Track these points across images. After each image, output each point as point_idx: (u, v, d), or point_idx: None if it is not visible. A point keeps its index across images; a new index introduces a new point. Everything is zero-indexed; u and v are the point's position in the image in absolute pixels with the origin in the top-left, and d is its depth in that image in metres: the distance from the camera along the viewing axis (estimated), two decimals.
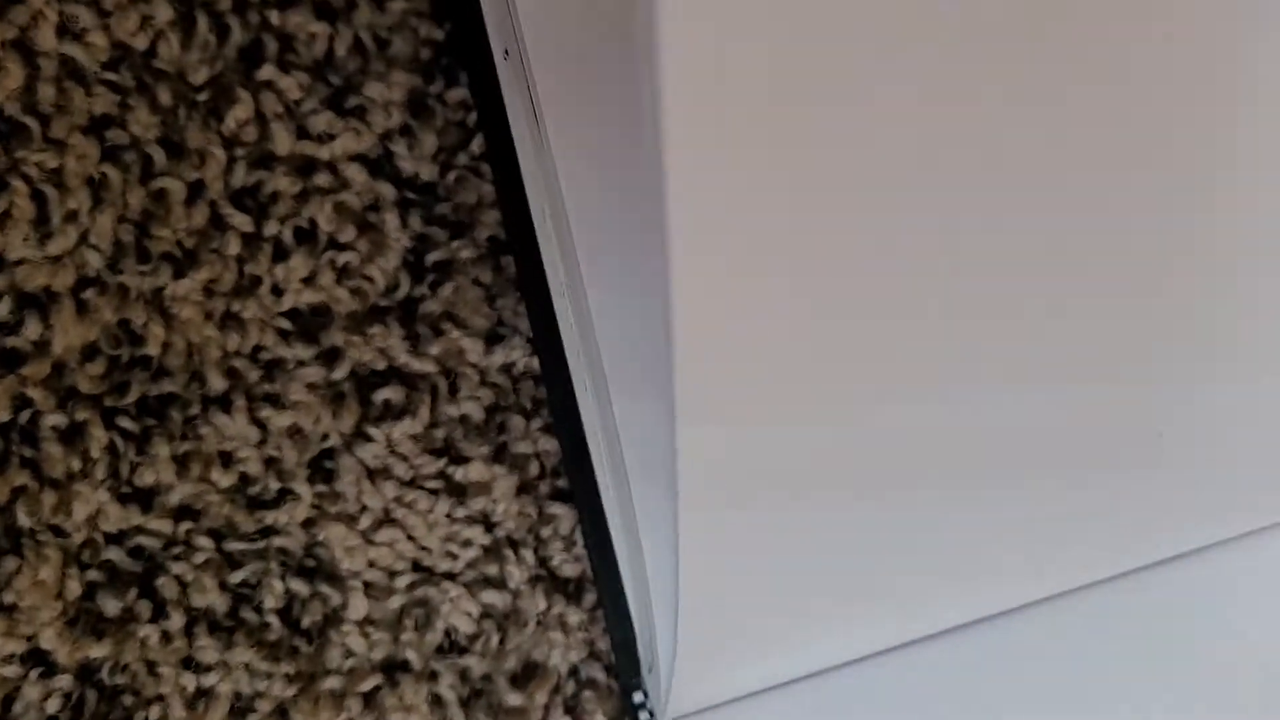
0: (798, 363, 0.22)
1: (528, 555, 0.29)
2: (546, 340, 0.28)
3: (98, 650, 0.26)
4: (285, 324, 0.27)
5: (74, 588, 0.26)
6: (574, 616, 0.29)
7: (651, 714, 0.30)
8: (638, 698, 0.31)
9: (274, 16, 0.27)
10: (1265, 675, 0.32)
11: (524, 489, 0.28)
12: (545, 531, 0.29)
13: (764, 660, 0.30)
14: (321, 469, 0.27)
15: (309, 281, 0.27)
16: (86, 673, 0.27)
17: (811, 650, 0.30)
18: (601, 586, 0.29)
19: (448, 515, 0.28)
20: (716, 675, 0.30)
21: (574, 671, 0.29)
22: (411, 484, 0.28)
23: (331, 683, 0.28)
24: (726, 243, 0.19)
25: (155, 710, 0.27)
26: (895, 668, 0.31)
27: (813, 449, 0.25)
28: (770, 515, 0.27)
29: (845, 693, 0.30)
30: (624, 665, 0.30)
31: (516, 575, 0.29)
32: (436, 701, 0.28)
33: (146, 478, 0.27)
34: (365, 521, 0.28)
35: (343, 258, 0.27)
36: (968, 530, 0.29)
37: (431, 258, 0.28)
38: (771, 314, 0.21)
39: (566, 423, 0.28)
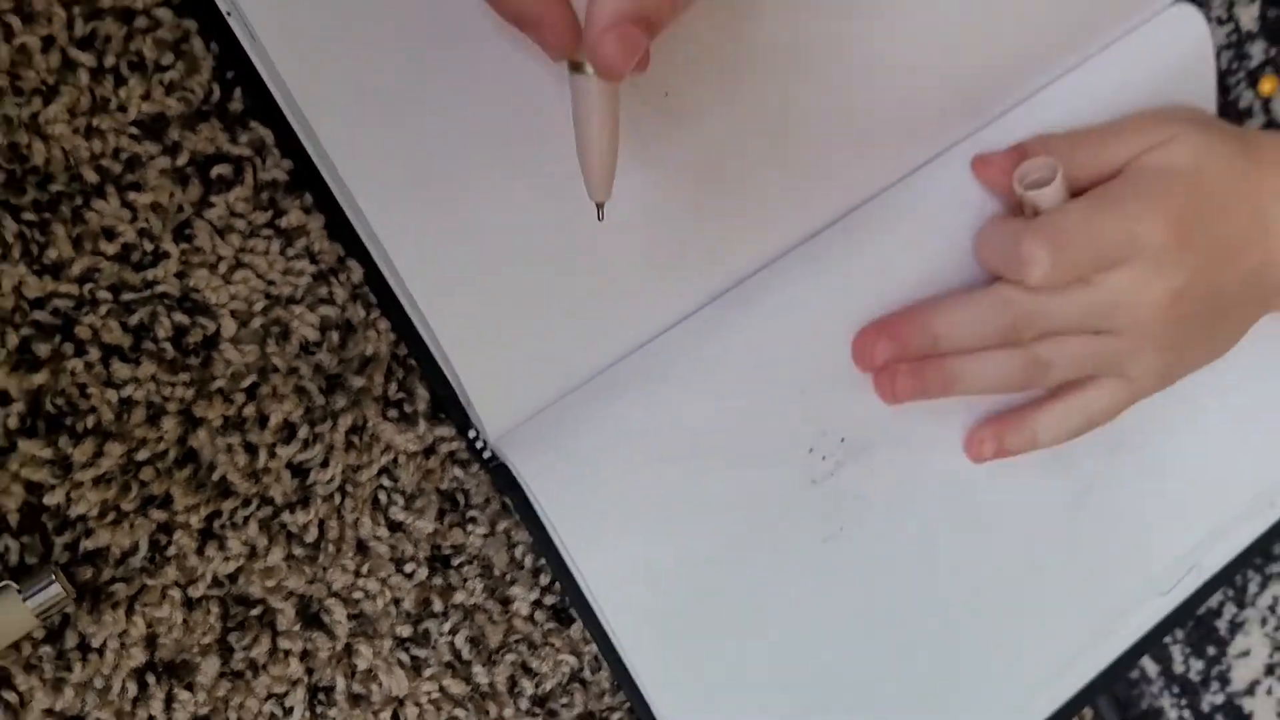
0: None
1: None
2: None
3: (39, 380, 0.36)
4: (134, 130, 0.37)
5: (12, 340, 0.36)
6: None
7: (484, 441, 0.41)
8: (471, 434, 0.41)
9: None
10: None
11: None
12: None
13: (548, 369, 0.41)
14: (183, 233, 0.38)
15: (146, 97, 0.37)
16: (34, 402, 0.36)
17: (581, 352, 0.41)
18: (415, 354, 0.40)
19: (281, 254, 0.39)
20: (512, 396, 0.40)
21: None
22: (251, 235, 0.38)
23: (219, 384, 0.38)
24: None
25: (91, 419, 0.36)
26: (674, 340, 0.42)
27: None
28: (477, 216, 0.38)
29: (624, 376, 0.41)
30: (453, 412, 0.41)
31: (341, 294, 0.39)
32: (302, 391, 0.39)
33: (52, 255, 0.36)
34: (223, 267, 0.38)
35: (167, 77, 0.37)
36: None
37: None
38: None
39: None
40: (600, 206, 0.34)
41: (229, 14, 0.37)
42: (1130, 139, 0.43)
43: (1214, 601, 0.51)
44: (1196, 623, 0.51)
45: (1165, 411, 0.48)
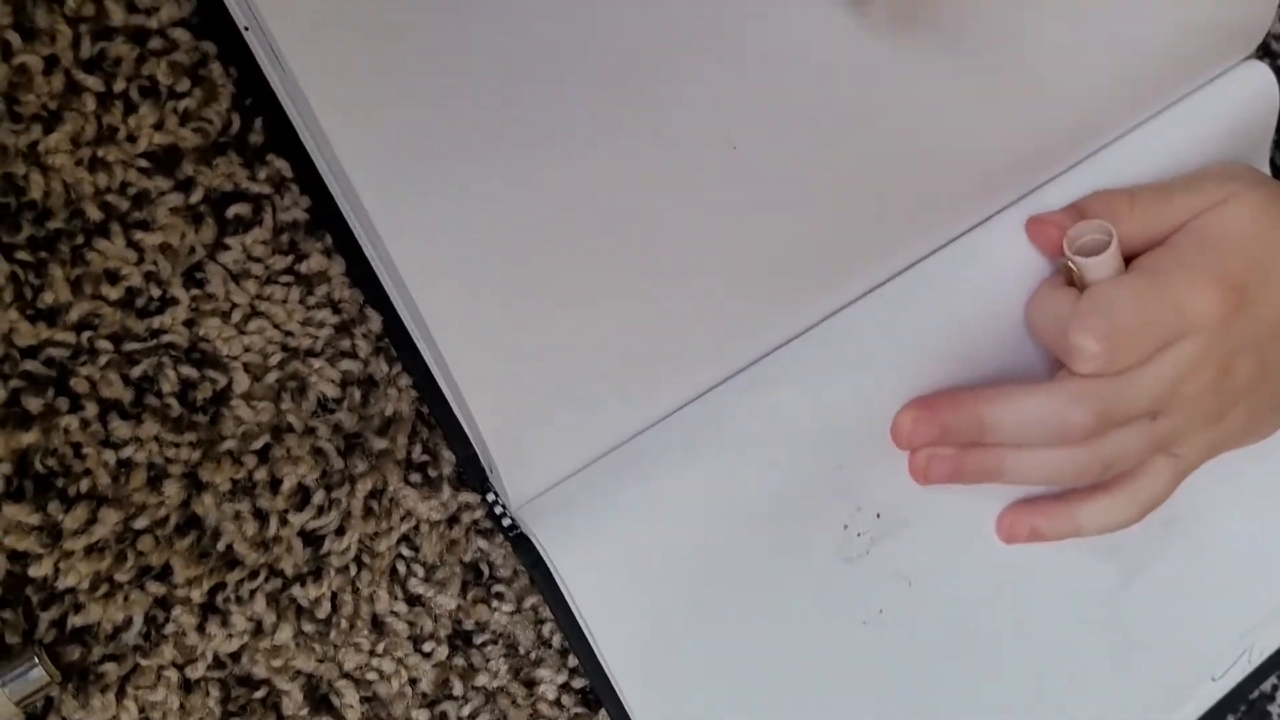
0: None
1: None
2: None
3: (28, 438, 0.32)
4: (144, 163, 0.34)
5: (0, 393, 0.32)
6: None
7: (504, 508, 0.38)
8: (490, 498, 0.38)
9: None
10: None
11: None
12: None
13: (578, 434, 0.37)
14: (194, 277, 0.34)
15: (158, 127, 0.34)
16: (23, 463, 0.32)
17: (612, 420, 0.38)
18: (435, 414, 0.36)
19: (301, 302, 0.35)
20: (538, 462, 0.37)
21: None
22: (268, 280, 0.35)
23: (229, 445, 0.34)
24: None
25: (85, 483, 0.33)
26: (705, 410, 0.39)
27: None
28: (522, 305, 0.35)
29: (654, 445, 0.38)
30: (473, 479, 0.38)
31: (364, 347, 0.36)
32: (319, 453, 0.35)
33: (48, 299, 0.33)
34: (236, 316, 0.34)
35: (182, 104, 0.34)
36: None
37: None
38: None
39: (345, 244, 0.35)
40: None
41: (246, 29, 0.34)
42: (1187, 199, 0.41)
43: (1267, 685, 0.49)
44: (1249, 708, 0.49)
45: (1218, 487, 0.46)
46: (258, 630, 0.35)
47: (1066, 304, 0.38)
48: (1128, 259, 0.40)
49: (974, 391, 0.39)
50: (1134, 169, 0.43)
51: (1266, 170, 0.48)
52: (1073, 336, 0.37)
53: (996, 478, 0.39)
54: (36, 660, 0.32)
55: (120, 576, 0.33)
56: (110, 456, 0.33)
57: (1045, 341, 0.40)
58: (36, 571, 0.33)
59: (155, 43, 0.34)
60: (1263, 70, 0.46)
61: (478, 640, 0.38)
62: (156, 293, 0.34)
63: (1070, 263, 0.39)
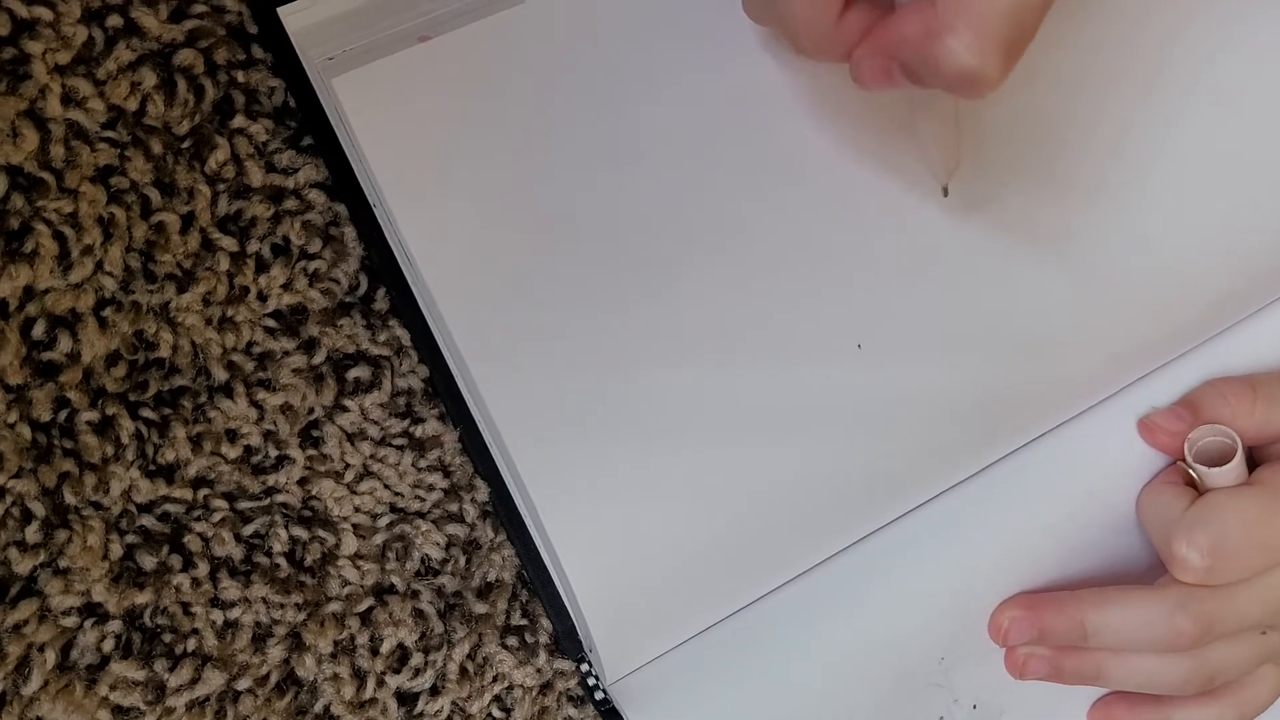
0: None
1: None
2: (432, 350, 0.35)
3: (140, 598, 0.32)
4: (271, 323, 0.33)
5: (116, 550, 0.32)
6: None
7: (598, 680, 0.37)
8: (584, 668, 0.38)
9: (239, 75, 0.33)
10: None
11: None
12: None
13: (678, 615, 0.37)
14: (310, 437, 0.34)
15: (287, 287, 0.34)
16: (132, 617, 0.33)
17: (712, 599, 0.37)
18: (536, 583, 0.36)
19: (413, 465, 0.35)
20: (637, 643, 0.36)
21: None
22: (382, 442, 0.35)
23: (333, 607, 0.34)
24: None
25: (191, 642, 0.33)
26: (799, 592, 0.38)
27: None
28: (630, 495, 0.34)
29: (750, 628, 0.37)
30: (569, 649, 0.37)
31: (471, 511, 0.36)
32: (420, 615, 0.35)
33: (168, 456, 0.33)
34: (349, 476, 0.34)
35: (313, 265, 0.34)
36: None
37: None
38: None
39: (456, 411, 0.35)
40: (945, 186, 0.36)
41: (375, 206, 0.34)
42: None
43: None
44: None
45: None
46: None
47: (1178, 508, 0.37)
48: (1247, 451, 0.39)
49: (1076, 595, 0.38)
50: (1252, 356, 0.42)
51: None
52: (1177, 546, 0.36)
53: (1094, 682, 0.38)
54: None
55: None
56: (218, 616, 0.33)
57: (1152, 540, 0.39)
58: None
59: (291, 203, 0.33)
60: None
61: None
62: (274, 452, 0.34)
63: (1190, 469, 0.38)
